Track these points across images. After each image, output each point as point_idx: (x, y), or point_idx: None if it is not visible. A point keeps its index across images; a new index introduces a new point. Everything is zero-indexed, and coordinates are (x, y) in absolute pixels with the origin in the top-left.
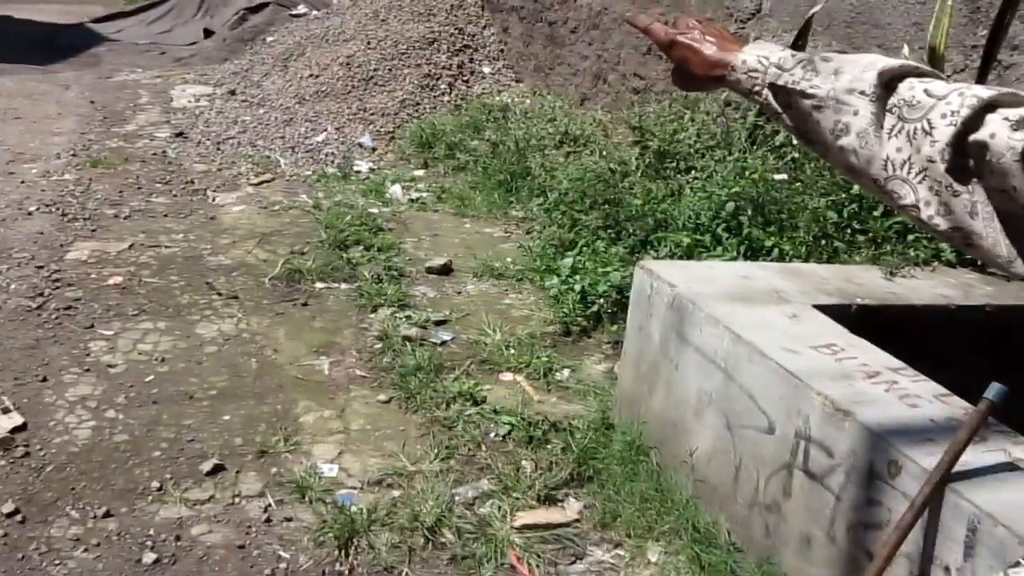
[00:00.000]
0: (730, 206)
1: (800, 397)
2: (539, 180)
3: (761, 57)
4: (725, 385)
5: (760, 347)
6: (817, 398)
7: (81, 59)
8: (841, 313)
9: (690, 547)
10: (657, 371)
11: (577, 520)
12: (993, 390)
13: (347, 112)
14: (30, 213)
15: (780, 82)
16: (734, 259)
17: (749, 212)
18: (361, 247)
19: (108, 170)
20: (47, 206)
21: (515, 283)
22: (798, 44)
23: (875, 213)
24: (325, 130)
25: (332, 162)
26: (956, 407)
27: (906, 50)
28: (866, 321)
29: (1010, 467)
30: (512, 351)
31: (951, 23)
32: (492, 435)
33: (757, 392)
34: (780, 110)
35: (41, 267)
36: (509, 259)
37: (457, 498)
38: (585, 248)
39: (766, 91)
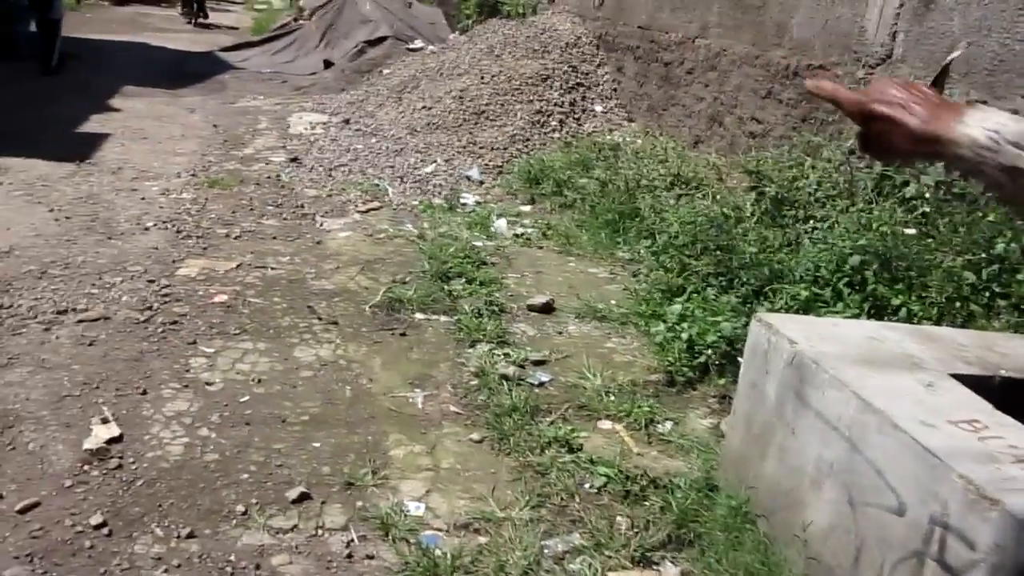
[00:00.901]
0: (854, 259)
1: (938, 478)
2: (648, 221)
3: (990, 133)
4: (849, 456)
5: (892, 417)
6: (959, 481)
7: (207, 85)
8: (982, 385)
9: None
10: (771, 433)
11: None
12: None
13: (457, 145)
14: (147, 229)
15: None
16: (856, 316)
17: (875, 267)
18: (463, 280)
19: (224, 191)
20: (164, 223)
21: (618, 327)
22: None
23: (1019, 276)
24: (434, 161)
25: (439, 193)
26: None
27: None
28: (1011, 396)
29: None
30: (612, 398)
31: None
32: (587, 486)
33: (886, 467)
34: (1004, 181)
35: (152, 281)
36: (613, 301)
37: (546, 551)
38: (695, 295)
39: (999, 173)
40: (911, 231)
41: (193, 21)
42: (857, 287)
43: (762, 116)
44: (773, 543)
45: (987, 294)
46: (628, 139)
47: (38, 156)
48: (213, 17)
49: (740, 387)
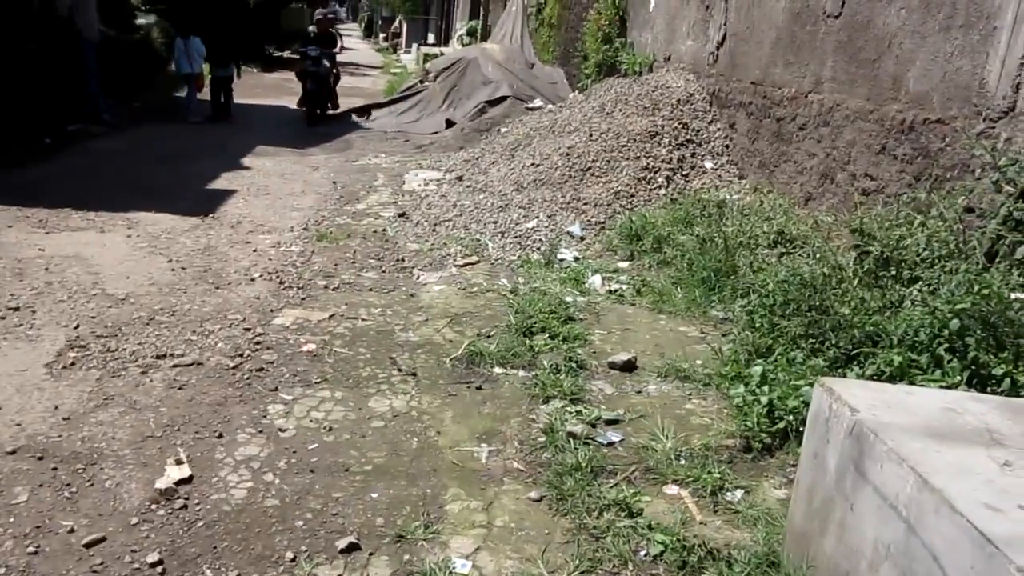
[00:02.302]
0: (954, 324)
1: (995, 569)
2: (745, 280)
3: None
4: (906, 538)
5: (950, 498)
6: (1017, 574)
7: (334, 144)
8: None
9: None
10: (831, 508)
11: None
12: None
13: (560, 200)
14: (253, 279)
15: None
16: (954, 386)
17: (978, 333)
18: (547, 335)
19: (331, 244)
20: (269, 274)
21: (701, 388)
22: None
23: None
24: (536, 217)
25: (538, 248)
26: None
27: None
28: None
29: None
30: (682, 462)
31: None
32: (642, 553)
33: (943, 554)
34: None
35: (248, 330)
36: (699, 361)
37: None
38: (780, 357)
39: None
40: (1023, 296)
41: (310, 119)
42: (958, 354)
43: (875, 173)
44: None
45: None
46: (737, 196)
47: (168, 211)
48: (350, 81)
49: (802, 457)
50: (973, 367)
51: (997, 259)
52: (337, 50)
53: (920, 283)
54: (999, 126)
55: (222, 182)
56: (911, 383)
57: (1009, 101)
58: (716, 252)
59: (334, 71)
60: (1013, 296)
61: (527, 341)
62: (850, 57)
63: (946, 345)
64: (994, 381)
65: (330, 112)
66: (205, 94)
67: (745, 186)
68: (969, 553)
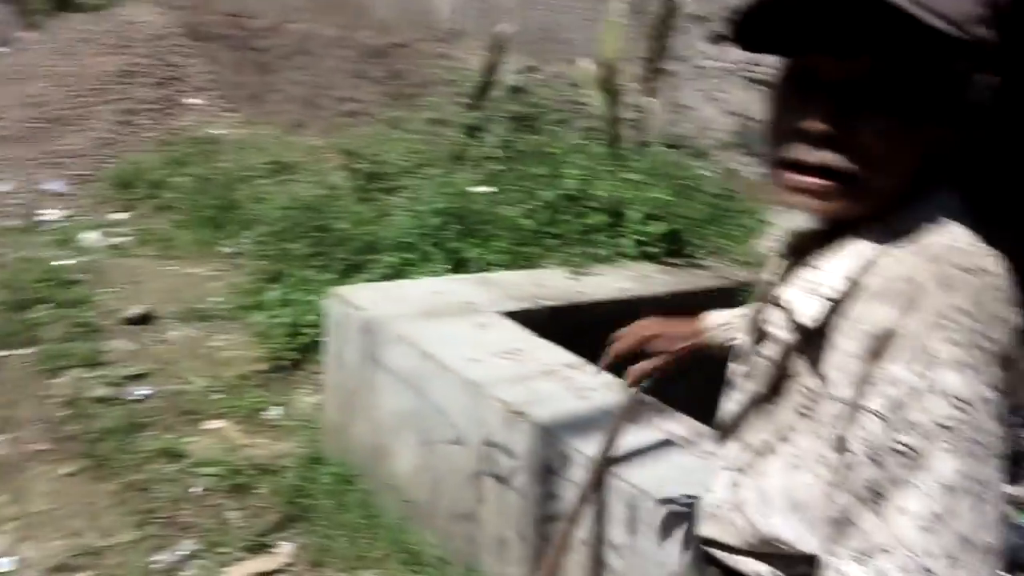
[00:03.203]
0: (435, 221)
1: (482, 405)
2: (249, 212)
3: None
4: (418, 403)
5: (444, 361)
6: (495, 404)
7: None
8: (529, 317)
9: (400, 569)
10: (357, 398)
11: (291, 564)
12: None
13: (33, 157)
14: None
15: None
16: (442, 273)
17: (454, 226)
18: (47, 305)
19: None
20: None
21: (223, 324)
22: None
23: (565, 217)
24: (7, 179)
25: (17, 214)
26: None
27: (588, 62)
28: (554, 321)
29: (665, 443)
30: (219, 396)
31: (622, 38)
32: (194, 489)
33: (446, 406)
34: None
35: None
36: (217, 299)
37: (157, 566)
38: (293, 279)
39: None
40: (483, 189)
41: None
42: (441, 246)
43: (356, 95)
44: (373, 497)
45: (543, 237)
46: (230, 130)
47: None
48: None
49: (327, 360)
50: (454, 255)
51: (461, 161)
52: None
53: (404, 191)
54: (450, 47)
55: None
56: (409, 279)
57: (454, 24)
58: (216, 189)
59: None
60: (475, 190)
61: (23, 316)
62: None
63: (431, 241)
64: (470, 263)
65: None
66: None
67: (238, 119)
68: (464, 398)
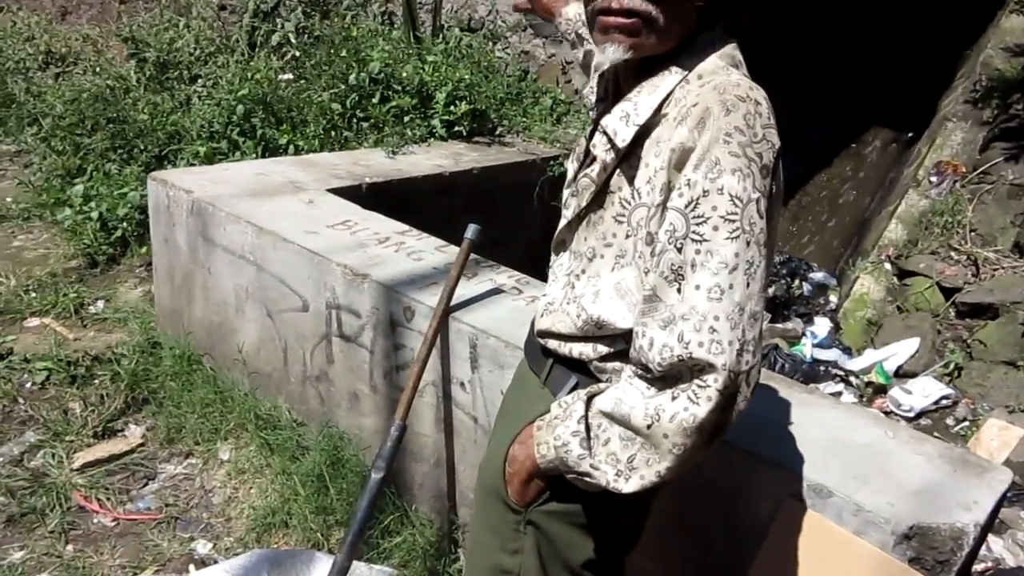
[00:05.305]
0: (240, 110)
1: (324, 272)
2: (27, 107)
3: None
4: (258, 276)
5: (282, 234)
6: (338, 268)
7: None
8: (354, 193)
9: (257, 436)
10: (192, 279)
11: (142, 444)
12: (471, 230)
13: None
14: None
15: None
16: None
17: (261, 114)
18: None
19: None
20: None
21: (22, 223)
22: None
23: (373, 100)
24: None
25: None
26: (453, 254)
27: None
28: (377, 197)
29: (496, 291)
30: (34, 294)
31: None
32: (28, 385)
33: (287, 276)
34: None
35: None
36: (9, 198)
37: (0, 459)
38: (96, 173)
39: None
40: (287, 76)
41: None
42: (249, 134)
43: None
44: (219, 373)
45: (354, 120)
46: None
47: None
48: None
49: (154, 246)
50: (264, 142)
51: (257, 48)
52: None
53: (201, 80)
54: None
55: None
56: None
57: None
58: None
59: None
60: (280, 77)
61: None
62: None
63: (238, 129)
64: (282, 150)
65: None
66: None
67: None
68: (304, 268)
